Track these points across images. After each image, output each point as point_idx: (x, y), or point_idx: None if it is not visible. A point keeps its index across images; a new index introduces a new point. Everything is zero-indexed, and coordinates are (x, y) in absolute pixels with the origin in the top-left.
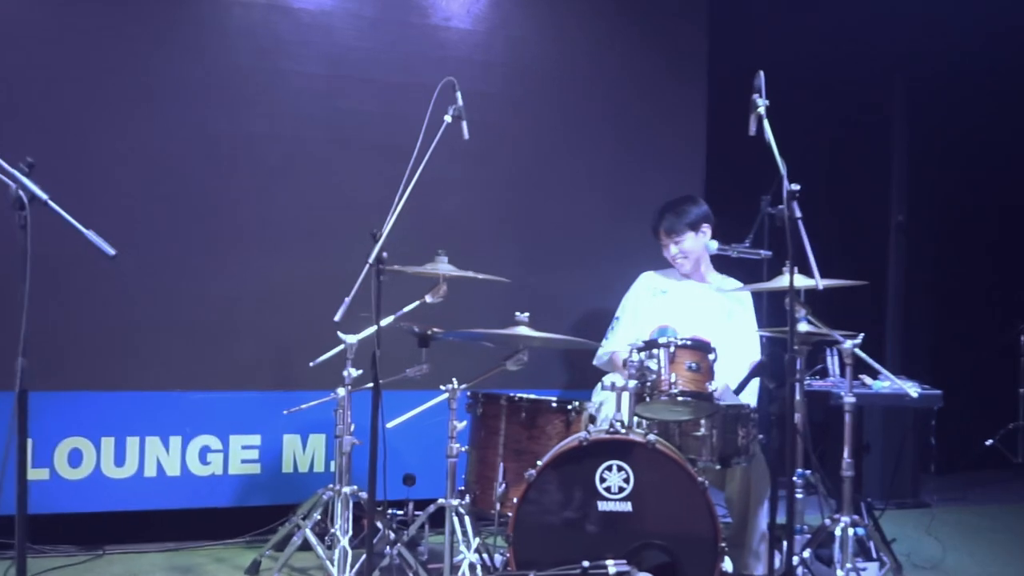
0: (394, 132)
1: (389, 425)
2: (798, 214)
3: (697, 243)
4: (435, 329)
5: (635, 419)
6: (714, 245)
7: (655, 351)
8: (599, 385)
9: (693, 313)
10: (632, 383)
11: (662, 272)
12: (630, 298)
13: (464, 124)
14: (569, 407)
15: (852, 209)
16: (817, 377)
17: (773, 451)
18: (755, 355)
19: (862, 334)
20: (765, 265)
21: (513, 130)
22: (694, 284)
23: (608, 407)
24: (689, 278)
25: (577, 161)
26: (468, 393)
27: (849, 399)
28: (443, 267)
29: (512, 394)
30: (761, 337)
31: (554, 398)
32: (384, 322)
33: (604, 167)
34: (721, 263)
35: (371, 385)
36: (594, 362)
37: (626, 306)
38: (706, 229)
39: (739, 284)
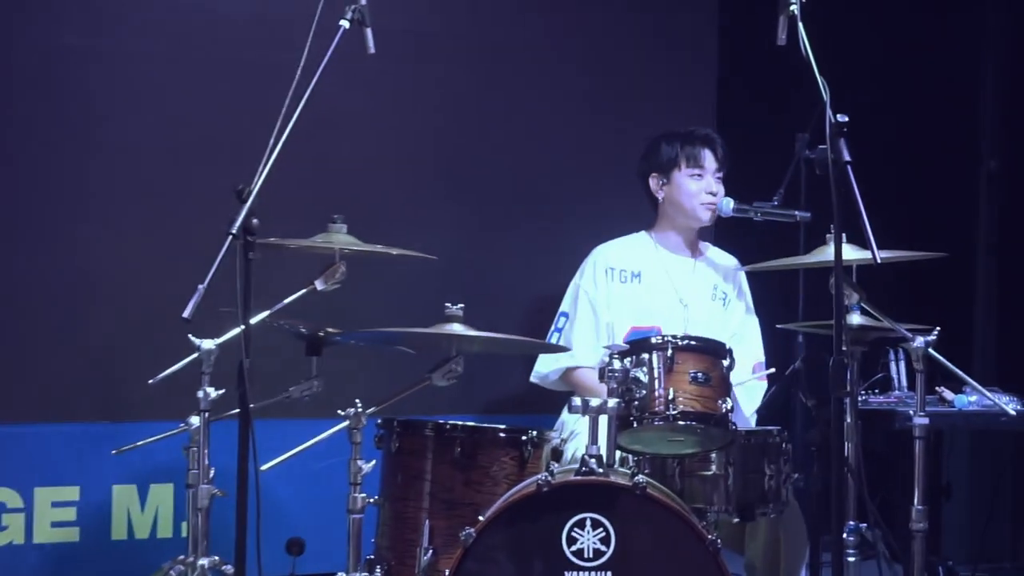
0: (268, 43)
1: (265, 468)
2: (847, 157)
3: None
4: (330, 329)
5: (618, 453)
6: (730, 204)
7: (644, 355)
8: (566, 406)
9: (689, 305)
10: (612, 402)
11: (625, 243)
12: (584, 285)
13: (369, 32)
14: (524, 438)
15: (924, 154)
16: (876, 391)
17: (813, 497)
18: (757, 355)
19: (938, 329)
20: (801, 232)
21: (446, 50)
22: (683, 261)
23: (579, 437)
24: (675, 251)
25: (539, 97)
26: (378, 421)
27: (921, 420)
28: (340, 239)
29: (442, 421)
30: (798, 335)
31: (502, 426)
32: (256, 320)
33: (576, 107)
34: (732, 230)
35: (238, 411)
36: (532, 378)
37: (580, 297)
38: None
39: (735, 262)
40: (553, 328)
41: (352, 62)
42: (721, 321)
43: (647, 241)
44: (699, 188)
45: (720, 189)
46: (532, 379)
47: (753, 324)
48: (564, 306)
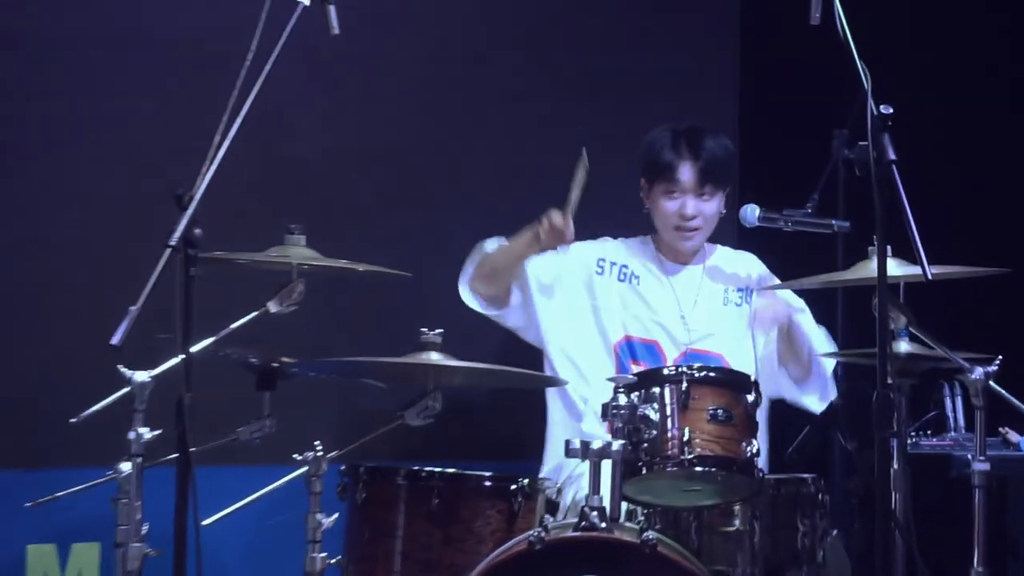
0: (215, 28)
1: (207, 523)
2: (892, 155)
3: (717, 209)
4: (285, 359)
5: (624, 505)
6: (755, 212)
7: (655, 389)
8: (562, 449)
9: (690, 320)
10: (617, 444)
11: (626, 242)
12: (561, 264)
13: (332, 10)
14: (513, 487)
15: (983, 154)
16: (928, 432)
17: (855, 557)
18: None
19: (1000, 358)
20: (839, 244)
21: (426, 41)
22: (687, 271)
23: (578, 485)
24: (677, 259)
25: (529, 94)
26: (342, 467)
27: (981, 466)
28: (298, 252)
29: (417, 467)
30: (836, 366)
31: (487, 473)
32: (198, 348)
33: (573, 105)
34: (758, 243)
35: (176, 456)
36: (460, 283)
37: (546, 266)
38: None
39: (760, 265)
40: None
41: (312, 51)
42: (735, 323)
43: (650, 247)
44: (672, 210)
45: (708, 209)
46: (463, 296)
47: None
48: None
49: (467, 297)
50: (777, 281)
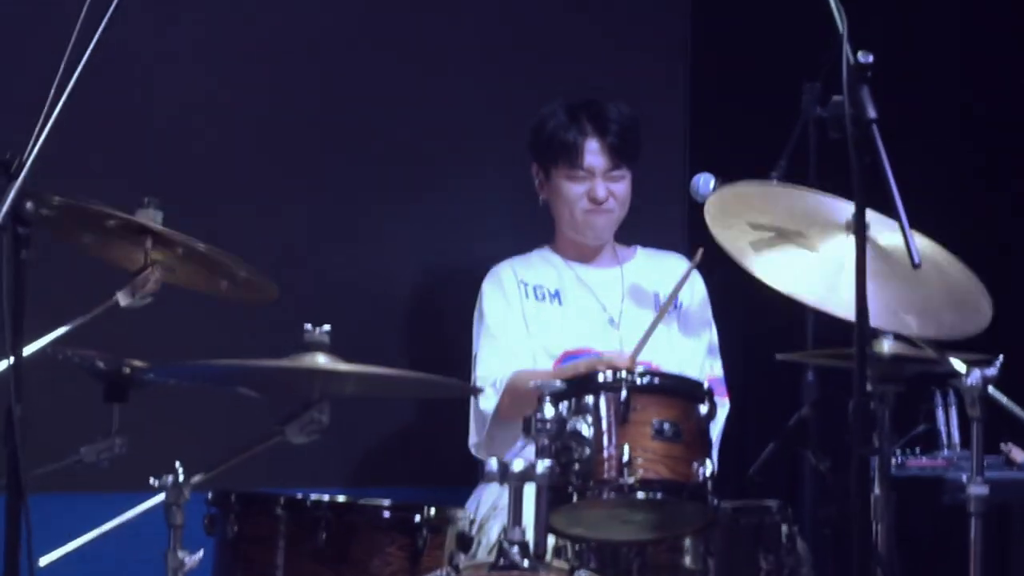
0: None
1: (45, 562)
2: (872, 113)
3: (629, 190)
4: (139, 363)
5: (551, 540)
6: (709, 183)
7: (588, 399)
8: (480, 474)
9: (621, 325)
10: (543, 464)
11: (528, 259)
12: (490, 308)
13: None
14: (417, 519)
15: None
16: (916, 449)
17: None
18: (714, 367)
19: (1001, 358)
20: None
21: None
22: (604, 273)
23: (502, 517)
24: (590, 263)
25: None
26: (209, 495)
27: (979, 490)
28: (153, 228)
29: (301, 496)
30: (808, 372)
31: (386, 502)
32: (31, 349)
33: (487, 65)
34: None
35: (6, 482)
36: (473, 450)
37: (489, 317)
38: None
39: (680, 260)
40: (475, 359)
41: None
42: (668, 332)
43: (553, 257)
44: (579, 192)
45: (620, 190)
46: (474, 451)
47: (713, 349)
48: (485, 320)
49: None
50: (701, 296)
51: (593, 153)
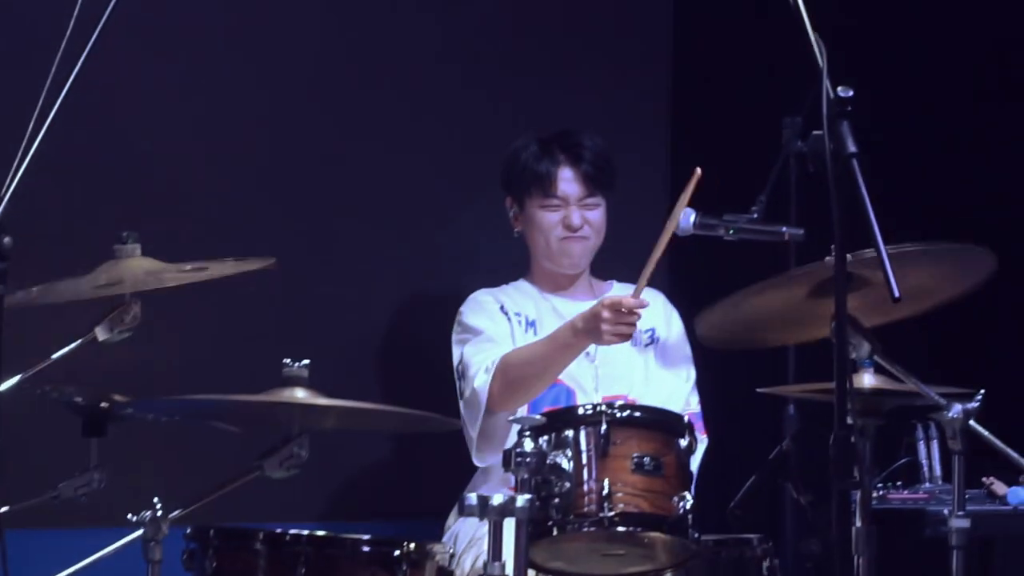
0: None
1: None
2: (852, 147)
3: (603, 219)
4: (118, 397)
5: (531, 574)
6: (690, 217)
7: (567, 433)
8: (456, 506)
9: (596, 357)
10: (522, 499)
11: (501, 290)
12: (478, 319)
13: None
14: (397, 553)
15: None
16: (898, 483)
17: None
18: (691, 402)
19: (983, 392)
20: (792, 255)
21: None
22: (580, 306)
23: (476, 549)
24: (566, 295)
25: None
26: (187, 530)
27: (960, 523)
28: (132, 264)
29: (280, 530)
30: (790, 405)
31: (365, 536)
32: (7, 384)
33: (472, 88)
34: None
35: None
36: (475, 459)
37: (479, 324)
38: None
39: (657, 295)
40: (457, 381)
41: (144, 24)
42: (646, 367)
43: (529, 289)
44: (554, 220)
45: (595, 218)
46: (477, 462)
47: (689, 380)
48: (454, 353)
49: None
50: (678, 330)
51: (567, 181)
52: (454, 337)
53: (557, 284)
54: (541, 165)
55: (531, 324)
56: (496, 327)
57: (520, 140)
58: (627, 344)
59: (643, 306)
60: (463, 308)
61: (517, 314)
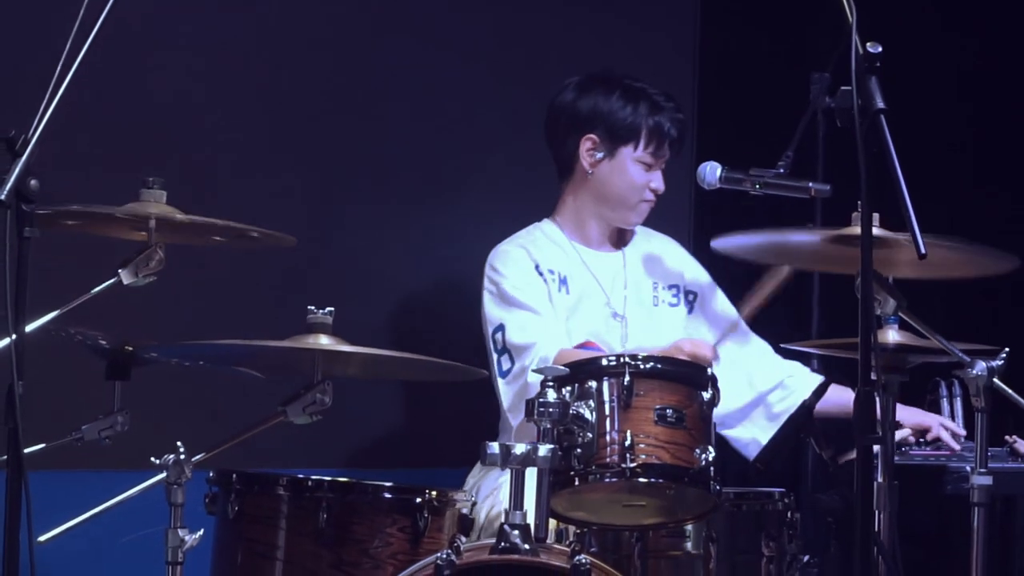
0: None
1: (44, 539)
2: (880, 103)
3: None
4: (141, 342)
5: (553, 523)
6: (716, 171)
7: (591, 384)
8: (478, 461)
9: (627, 318)
10: (544, 449)
11: (531, 238)
12: (514, 277)
13: None
14: (418, 500)
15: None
16: (920, 439)
17: None
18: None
19: (1007, 350)
20: (818, 211)
21: None
22: (606, 258)
23: (497, 498)
24: (594, 245)
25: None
26: (210, 474)
27: (982, 480)
28: (156, 210)
29: (302, 475)
30: (813, 361)
31: (387, 484)
32: (34, 326)
33: (487, 50)
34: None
35: (5, 459)
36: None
37: (517, 285)
38: None
39: (690, 261)
40: (493, 351)
41: None
42: (671, 328)
43: (556, 234)
44: (642, 181)
45: (660, 184)
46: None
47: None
48: (491, 317)
49: None
50: (707, 280)
51: (670, 146)
52: (487, 293)
53: (587, 234)
54: (655, 122)
55: (563, 281)
56: (534, 293)
57: (617, 76)
58: (649, 304)
59: (715, 360)
60: (495, 263)
61: (551, 271)
